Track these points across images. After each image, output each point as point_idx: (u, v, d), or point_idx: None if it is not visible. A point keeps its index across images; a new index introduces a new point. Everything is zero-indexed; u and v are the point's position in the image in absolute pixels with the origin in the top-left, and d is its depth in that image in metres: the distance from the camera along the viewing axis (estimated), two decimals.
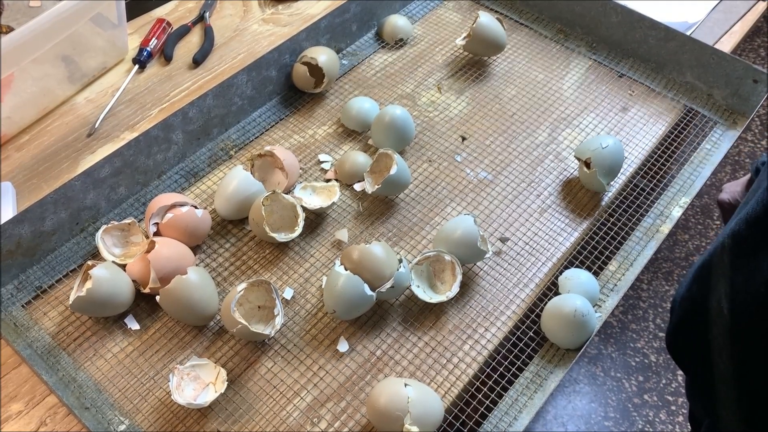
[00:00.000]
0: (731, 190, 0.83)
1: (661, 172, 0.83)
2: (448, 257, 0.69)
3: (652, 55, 0.93)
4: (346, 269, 0.66)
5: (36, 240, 0.70)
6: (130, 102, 0.89)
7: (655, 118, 0.88)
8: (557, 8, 0.99)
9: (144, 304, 0.69)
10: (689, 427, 1.00)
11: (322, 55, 0.86)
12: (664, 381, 1.59)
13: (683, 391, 1.57)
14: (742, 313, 0.58)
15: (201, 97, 0.79)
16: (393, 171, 0.74)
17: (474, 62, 0.95)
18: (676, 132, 0.87)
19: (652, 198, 0.80)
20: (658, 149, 0.85)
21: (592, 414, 1.51)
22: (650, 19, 0.90)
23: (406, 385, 0.59)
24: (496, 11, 1.02)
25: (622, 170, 0.81)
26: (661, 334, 1.65)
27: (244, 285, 0.65)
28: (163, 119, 0.76)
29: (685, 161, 0.84)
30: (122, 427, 0.61)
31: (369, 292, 0.65)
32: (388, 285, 0.66)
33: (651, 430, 1.48)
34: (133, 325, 0.68)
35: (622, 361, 1.61)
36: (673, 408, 1.52)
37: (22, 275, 0.71)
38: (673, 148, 0.85)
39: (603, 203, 0.79)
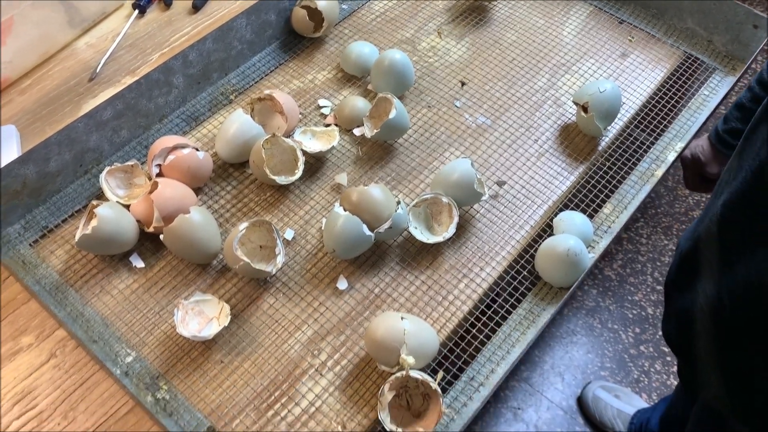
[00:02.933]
0: (695, 146, 0.81)
1: (658, 118, 0.83)
2: (445, 199, 0.71)
3: (653, 1, 0.92)
4: (345, 210, 0.68)
5: (41, 181, 0.72)
6: (130, 47, 0.89)
7: (654, 64, 0.88)
8: None
9: (148, 243, 0.71)
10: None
11: (321, 0, 0.86)
12: (660, 333, 1.62)
13: None
14: (738, 304, 0.56)
15: (201, 41, 0.79)
16: (392, 115, 0.75)
17: (474, 7, 0.95)
18: (674, 78, 0.87)
19: (648, 143, 0.81)
20: (656, 95, 0.86)
21: (588, 364, 1.54)
22: None
23: (402, 318, 0.61)
24: None
25: (619, 116, 0.82)
26: (659, 288, 1.67)
27: (245, 224, 0.66)
28: (163, 62, 0.77)
29: (683, 107, 0.85)
30: (129, 359, 0.63)
31: (367, 232, 0.67)
32: (386, 226, 0.67)
33: (646, 379, 1.52)
34: (138, 263, 0.70)
35: (619, 314, 1.64)
36: (668, 359, 1.55)
37: (29, 215, 0.72)
38: (671, 94, 0.86)
39: (600, 148, 0.80)
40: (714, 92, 0.85)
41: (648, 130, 0.82)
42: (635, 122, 0.83)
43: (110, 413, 0.62)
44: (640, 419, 1.26)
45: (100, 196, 0.73)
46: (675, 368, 1.54)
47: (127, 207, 0.71)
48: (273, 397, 0.61)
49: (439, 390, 0.58)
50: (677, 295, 0.68)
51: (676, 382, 1.49)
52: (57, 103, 0.83)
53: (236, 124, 0.75)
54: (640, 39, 0.91)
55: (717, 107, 0.83)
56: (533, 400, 1.45)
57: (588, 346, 1.61)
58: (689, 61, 0.89)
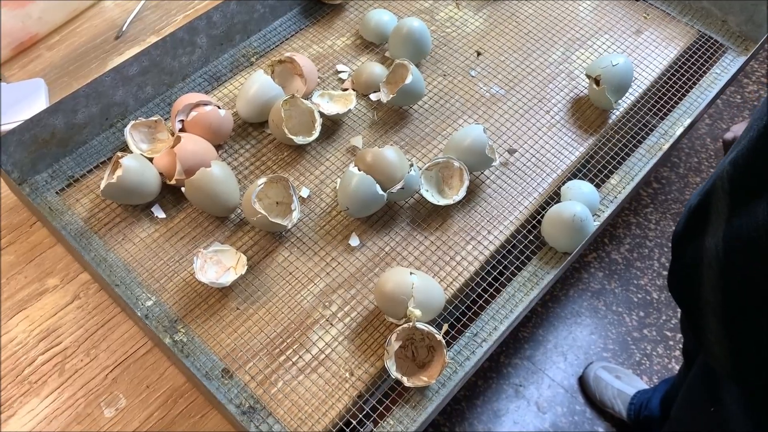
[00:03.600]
0: (737, 129, 0.83)
1: (669, 94, 0.85)
2: (457, 163, 0.73)
3: None
4: (360, 170, 0.70)
5: (69, 132, 0.75)
6: (155, 7, 0.92)
7: (668, 42, 0.90)
8: None
9: (169, 195, 0.74)
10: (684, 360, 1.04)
11: None
12: (664, 317, 1.64)
13: None
14: (736, 256, 0.59)
15: (225, 2, 0.81)
16: (408, 81, 0.77)
17: None
18: (687, 56, 0.89)
19: (657, 118, 0.83)
20: (668, 72, 0.87)
21: (591, 345, 1.57)
22: None
23: (411, 273, 0.63)
24: None
25: (630, 91, 0.84)
26: (665, 273, 1.69)
27: (264, 179, 0.69)
28: (188, 22, 0.79)
29: (693, 85, 0.86)
30: (149, 303, 0.66)
31: (380, 191, 0.69)
32: (398, 186, 0.70)
33: (648, 362, 1.54)
34: (160, 213, 0.73)
35: (624, 297, 1.66)
36: (671, 343, 1.57)
37: (56, 165, 0.75)
38: (683, 71, 0.87)
39: (610, 121, 0.82)
40: (725, 71, 0.86)
41: (658, 105, 0.84)
42: (646, 98, 0.85)
43: (130, 352, 0.65)
44: (639, 400, 1.29)
45: (125, 149, 0.76)
46: (676, 352, 1.57)
47: (150, 160, 0.74)
48: (285, 344, 0.65)
49: (443, 341, 0.61)
50: (684, 246, 0.70)
51: (677, 366, 1.52)
52: (84, 59, 0.86)
53: (257, 84, 0.77)
54: (655, 17, 0.93)
55: (726, 85, 0.85)
56: (535, 377, 1.49)
57: (592, 328, 1.63)
58: (702, 39, 0.90)
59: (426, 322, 0.64)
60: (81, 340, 0.66)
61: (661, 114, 0.83)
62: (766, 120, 0.52)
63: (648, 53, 0.89)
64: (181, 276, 0.68)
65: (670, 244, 1.77)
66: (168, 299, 0.67)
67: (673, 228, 1.78)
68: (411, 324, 0.62)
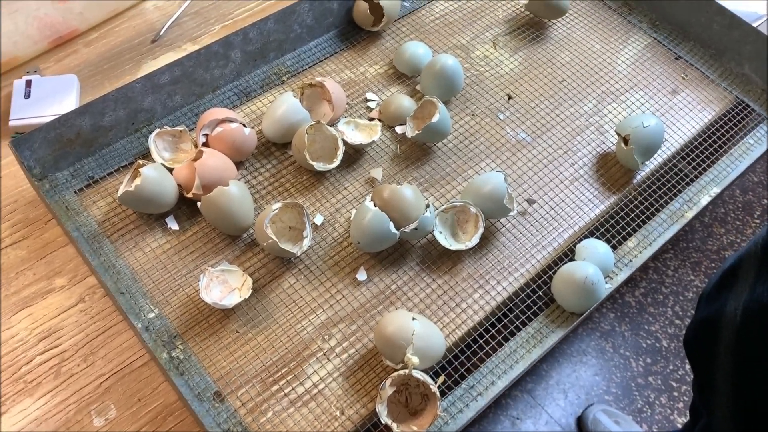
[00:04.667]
0: None
1: (698, 160, 0.84)
2: (473, 209, 0.72)
3: (714, 42, 0.92)
4: (375, 205, 0.70)
5: (94, 133, 0.75)
6: (195, 15, 0.93)
7: (704, 105, 0.88)
8: None
9: (185, 207, 0.74)
10: (687, 414, 1.02)
11: None
12: (671, 367, 1.61)
13: (688, 379, 1.60)
14: (752, 323, 0.59)
15: (263, 20, 0.82)
16: (435, 119, 0.77)
17: (534, 23, 0.95)
18: (722, 122, 0.87)
19: (683, 183, 0.81)
20: (701, 136, 0.86)
21: (594, 386, 1.55)
22: (718, 4, 0.89)
23: (413, 318, 0.63)
24: None
25: (660, 152, 0.82)
26: (677, 321, 1.67)
27: (279, 204, 0.69)
28: (224, 36, 0.80)
29: (725, 152, 0.85)
30: (151, 315, 0.67)
31: (393, 230, 0.69)
32: (412, 226, 0.69)
33: (649, 410, 1.52)
34: (173, 225, 0.73)
35: (633, 341, 1.64)
36: (675, 394, 1.55)
37: (78, 164, 0.76)
38: (715, 137, 0.86)
39: (635, 181, 0.81)
40: (759, 142, 0.85)
41: (686, 171, 0.82)
42: (674, 161, 0.83)
43: (126, 363, 0.66)
44: None
45: (147, 155, 0.77)
46: (679, 404, 1.54)
47: (171, 170, 0.74)
48: (280, 373, 0.64)
49: (437, 393, 0.61)
50: (708, 304, 0.69)
51: (679, 419, 1.49)
52: (119, 60, 0.87)
53: (285, 106, 0.77)
54: (694, 78, 0.91)
55: (759, 158, 0.83)
56: (533, 412, 1.47)
57: (596, 368, 1.61)
58: (740, 107, 0.89)
59: (424, 369, 0.64)
60: (80, 344, 0.66)
61: (688, 179, 0.82)
62: None
63: (682, 115, 0.87)
64: (186, 291, 0.69)
65: (685, 293, 1.74)
66: (170, 313, 0.67)
67: (690, 277, 1.75)
68: (407, 371, 0.61)
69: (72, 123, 0.72)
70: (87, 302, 0.69)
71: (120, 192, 0.70)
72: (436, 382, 0.61)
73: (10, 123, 0.79)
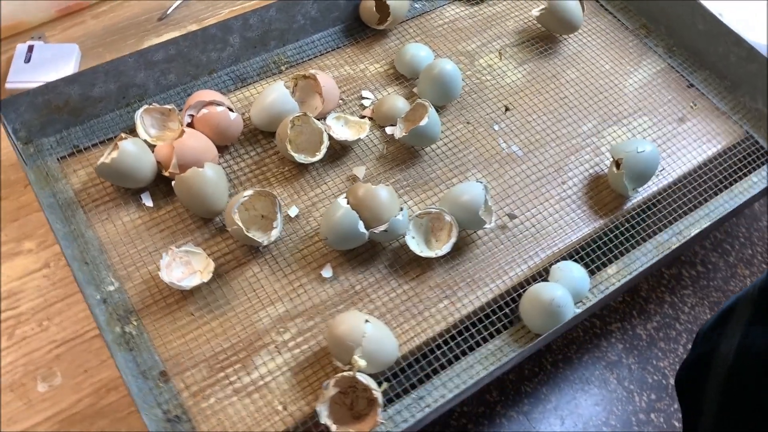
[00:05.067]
0: None
1: (695, 192, 0.80)
2: (448, 217, 0.71)
3: (730, 73, 0.89)
4: (348, 203, 0.69)
5: (83, 103, 0.76)
6: None
7: (710, 137, 0.85)
8: (648, 3, 0.95)
9: (162, 186, 0.74)
10: None
11: None
12: (675, 406, 1.56)
13: None
14: (741, 368, 0.58)
15: (265, 7, 0.82)
16: (423, 122, 0.75)
17: (545, 36, 0.93)
18: (726, 156, 0.84)
19: (676, 215, 0.78)
20: (701, 168, 0.82)
21: (593, 416, 1.51)
22: (737, 35, 0.86)
23: (366, 321, 0.61)
24: None
25: (656, 180, 0.79)
26: None
27: (250, 192, 0.68)
28: (223, 20, 0.79)
29: (726, 187, 0.81)
30: (111, 288, 0.67)
31: (362, 229, 0.68)
32: (382, 228, 0.68)
33: None
34: (148, 202, 0.73)
35: (639, 375, 1.59)
36: None
37: (65, 132, 0.77)
38: (717, 170, 0.82)
39: (625, 207, 0.78)
40: (762, 180, 0.81)
41: (681, 201, 0.79)
42: (670, 190, 0.80)
43: (80, 333, 0.66)
44: None
45: (133, 130, 0.77)
46: None
47: (155, 147, 0.74)
48: (228, 361, 0.64)
49: (379, 399, 0.59)
50: (702, 343, 0.68)
51: None
52: (123, 34, 0.88)
53: (274, 94, 0.77)
54: (704, 108, 0.88)
55: (760, 196, 0.80)
56: None
57: (598, 398, 1.57)
58: (748, 142, 0.85)
59: (374, 374, 0.62)
60: (38, 308, 0.66)
61: (681, 212, 0.79)
62: None
63: (686, 144, 0.84)
64: (149, 268, 0.68)
65: None
66: (130, 288, 0.67)
67: (706, 317, 1.69)
68: (351, 373, 0.60)
69: (61, 90, 0.73)
70: (51, 268, 0.69)
71: (98, 163, 0.70)
72: (380, 389, 0.60)
73: (6, 85, 0.80)
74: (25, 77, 0.81)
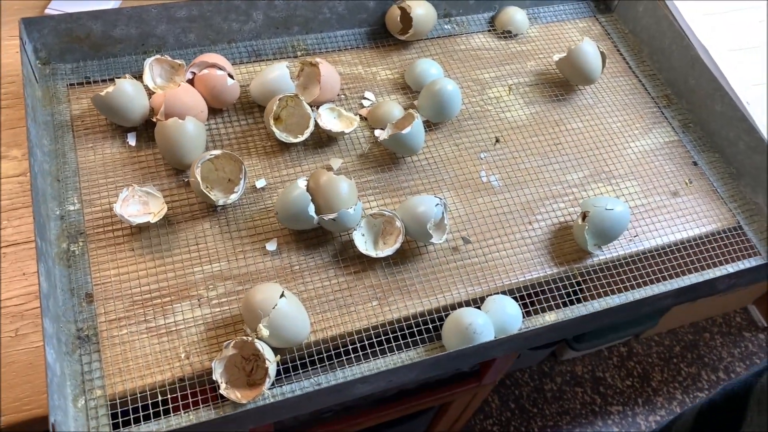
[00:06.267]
0: None
1: (663, 266, 0.78)
2: (398, 223, 0.72)
3: (736, 160, 0.86)
4: (308, 186, 0.71)
5: (104, 40, 0.81)
6: None
7: (698, 218, 0.83)
8: (675, 74, 0.94)
9: (150, 130, 0.78)
10: None
11: (419, 9, 0.89)
12: None
13: None
14: None
15: None
16: (406, 131, 0.77)
17: (562, 83, 0.93)
18: (709, 240, 0.81)
19: (635, 282, 0.76)
20: (678, 245, 0.80)
21: None
22: (750, 123, 0.84)
23: (282, 295, 0.63)
24: (620, 52, 0.99)
25: (623, 244, 0.78)
26: None
27: (218, 152, 0.72)
28: None
29: (700, 269, 0.79)
30: (72, 208, 0.71)
31: (312, 213, 0.70)
32: (330, 216, 0.70)
33: None
34: (132, 141, 0.77)
35: None
36: None
37: (81, 62, 0.82)
38: (693, 252, 0.80)
39: (585, 262, 0.77)
40: (739, 275, 0.78)
41: (644, 271, 0.77)
42: (640, 259, 0.78)
43: (31, 239, 0.70)
44: None
45: (142, 75, 0.82)
46: None
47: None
48: (151, 302, 0.67)
49: (270, 369, 0.61)
50: None
51: None
52: None
53: (275, 73, 0.80)
54: (702, 188, 0.86)
55: (730, 288, 0.77)
56: None
57: None
58: (736, 233, 0.83)
59: (278, 349, 0.64)
60: (3, 209, 0.71)
61: (642, 281, 0.77)
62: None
63: (671, 218, 0.82)
64: (111, 200, 0.72)
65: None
66: (87, 213, 0.71)
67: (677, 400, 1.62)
68: (250, 339, 0.62)
69: (84, 23, 0.79)
70: (28, 177, 0.74)
71: (94, 95, 0.75)
72: (273, 360, 0.61)
73: (46, 11, 0.87)
74: (66, 6, 0.87)
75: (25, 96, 0.71)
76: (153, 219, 0.69)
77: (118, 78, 0.75)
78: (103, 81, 0.82)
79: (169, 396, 0.62)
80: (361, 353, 0.67)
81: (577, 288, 0.75)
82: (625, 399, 1.96)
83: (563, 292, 0.75)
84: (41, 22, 0.77)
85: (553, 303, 0.74)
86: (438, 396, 1.29)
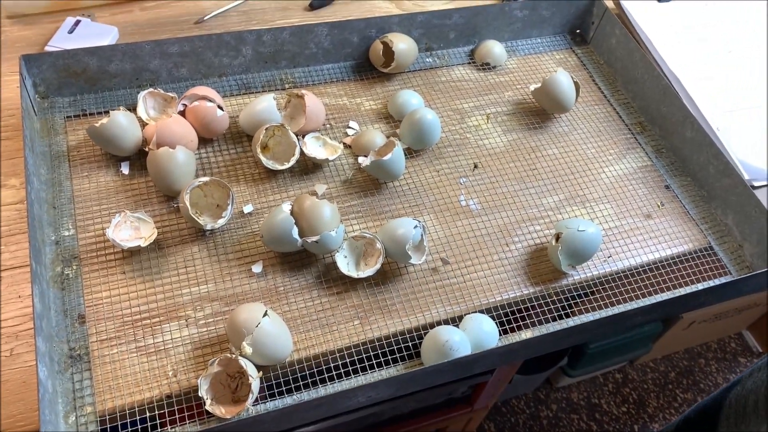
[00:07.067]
0: None
1: (637, 285, 0.81)
2: (378, 245, 0.75)
3: (707, 184, 0.90)
4: (292, 210, 0.74)
5: (99, 75, 0.86)
6: (242, 13, 1.03)
7: (671, 239, 0.86)
8: (648, 102, 0.98)
9: (143, 159, 0.82)
10: None
11: (402, 43, 0.93)
12: None
13: None
14: None
15: (279, 29, 0.90)
16: (387, 157, 0.81)
17: (538, 112, 0.97)
18: (680, 260, 0.84)
19: (608, 301, 0.79)
20: (651, 265, 0.83)
21: None
22: (717, 148, 0.87)
23: (266, 314, 0.66)
24: (595, 82, 1.03)
25: (597, 264, 0.81)
26: None
27: (207, 178, 0.75)
28: (239, 30, 0.88)
29: (672, 288, 0.82)
30: (66, 233, 0.74)
31: (296, 236, 0.73)
32: (314, 238, 0.73)
33: None
34: (125, 169, 0.81)
35: None
36: None
37: (78, 96, 0.87)
38: (665, 272, 0.83)
39: (560, 282, 0.80)
40: (709, 293, 0.81)
41: (618, 290, 0.80)
42: (614, 279, 0.81)
43: (26, 263, 0.73)
44: None
45: (136, 107, 0.86)
46: None
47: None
48: (141, 323, 0.69)
49: (252, 386, 0.63)
50: None
51: None
52: (161, 29, 0.98)
53: (263, 104, 0.84)
54: (674, 210, 0.89)
55: (699, 306, 0.80)
56: None
57: None
58: (708, 253, 0.86)
59: (261, 367, 0.66)
60: (2, 235, 0.75)
61: (614, 299, 0.80)
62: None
63: (644, 239, 0.85)
64: (104, 226, 0.76)
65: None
66: (81, 237, 0.74)
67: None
68: (235, 356, 0.64)
69: (80, 58, 0.83)
70: (25, 204, 0.77)
71: (90, 126, 0.79)
72: (255, 377, 0.64)
73: (46, 48, 0.91)
74: (65, 45, 0.92)
75: (23, 128, 0.75)
76: (144, 243, 0.73)
77: (113, 110, 0.79)
78: (99, 113, 0.86)
79: (157, 412, 0.64)
80: (342, 371, 0.70)
81: (552, 307, 0.78)
82: (621, 425, 1.96)
83: (539, 311, 0.77)
84: (40, 58, 0.82)
85: (529, 321, 0.76)
86: (431, 421, 1.30)
